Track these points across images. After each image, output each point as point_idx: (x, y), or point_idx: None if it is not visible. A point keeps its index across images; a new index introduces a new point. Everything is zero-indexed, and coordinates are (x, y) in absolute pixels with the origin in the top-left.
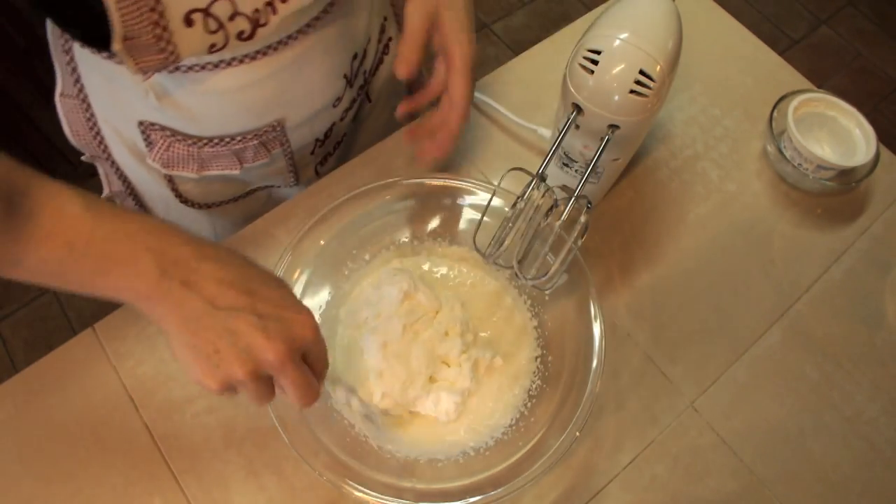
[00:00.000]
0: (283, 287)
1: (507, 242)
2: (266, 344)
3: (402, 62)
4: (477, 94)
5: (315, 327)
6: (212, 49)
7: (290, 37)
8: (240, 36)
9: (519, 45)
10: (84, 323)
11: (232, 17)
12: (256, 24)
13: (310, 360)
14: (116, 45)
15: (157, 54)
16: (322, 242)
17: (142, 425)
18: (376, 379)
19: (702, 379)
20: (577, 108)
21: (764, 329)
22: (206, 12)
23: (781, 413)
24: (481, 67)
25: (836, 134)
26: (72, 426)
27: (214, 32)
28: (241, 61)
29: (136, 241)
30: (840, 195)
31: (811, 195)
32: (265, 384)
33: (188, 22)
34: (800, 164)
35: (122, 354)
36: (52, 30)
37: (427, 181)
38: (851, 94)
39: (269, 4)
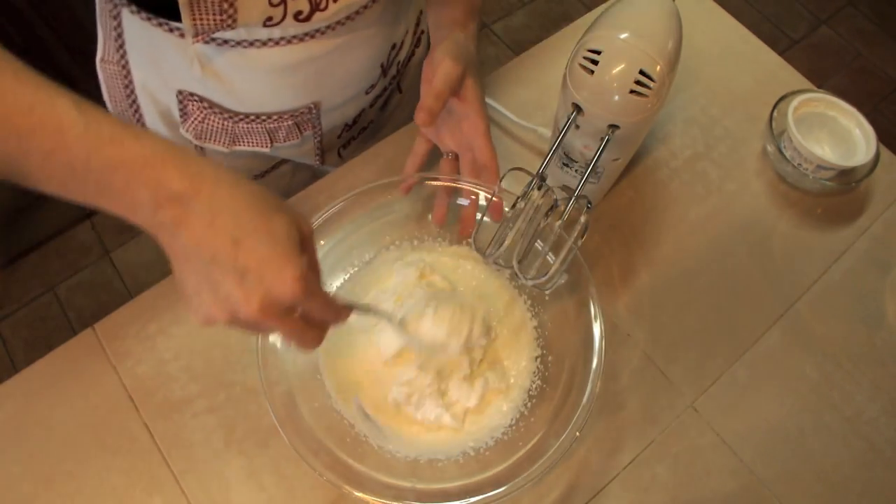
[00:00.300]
0: (274, 239)
1: (507, 242)
2: (242, 299)
3: (428, 113)
4: None
5: (302, 285)
6: (267, 23)
7: (338, 22)
8: (297, 16)
9: (519, 45)
10: (84, 323)
11: None
12: (316, 7)
13: (308, 313)
14: None
15: (216, 14)
16: (322, 243)
17: (142, 425)
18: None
19: (702, 379)
20: (577, 108)
21: (764, 329)
22: None
23: (781, 413)
24: (481, 67)
25: (836, 134)
26: (72, 426)
27: (276, 6)
28: (290, 41)
29: (133, 173)
30: (840, 195)
31: (811, 195)
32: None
33: None
34: (800, 164)
35: (122, 354)
36: None
37: (427, 181)
38: (851, 94)
39: None
